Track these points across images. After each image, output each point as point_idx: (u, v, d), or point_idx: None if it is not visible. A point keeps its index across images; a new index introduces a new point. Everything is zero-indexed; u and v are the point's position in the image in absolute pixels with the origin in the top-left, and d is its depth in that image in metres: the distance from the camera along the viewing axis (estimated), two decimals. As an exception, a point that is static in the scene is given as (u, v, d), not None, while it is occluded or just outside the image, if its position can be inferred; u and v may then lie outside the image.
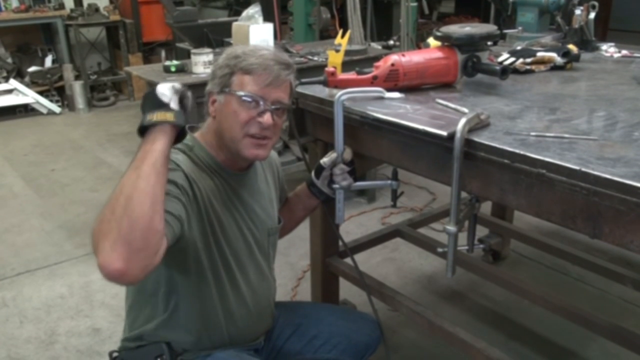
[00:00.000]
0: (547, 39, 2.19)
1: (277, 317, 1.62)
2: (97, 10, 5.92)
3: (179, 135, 1.16)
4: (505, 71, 1.56)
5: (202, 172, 1.33)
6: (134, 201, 1.01)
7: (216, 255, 1.35)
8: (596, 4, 2.16)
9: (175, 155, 1.27)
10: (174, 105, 1.15)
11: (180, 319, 1.37)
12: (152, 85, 2.96)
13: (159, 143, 1.09)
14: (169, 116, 1.12)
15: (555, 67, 1.90)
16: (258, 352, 1.54)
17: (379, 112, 1.42)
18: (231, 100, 1.29)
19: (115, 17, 6.02)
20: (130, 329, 1.43)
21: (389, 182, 1.63)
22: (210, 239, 1.33)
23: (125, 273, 0.98)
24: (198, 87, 1.48)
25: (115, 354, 1.46)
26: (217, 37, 3.45)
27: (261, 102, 1.29)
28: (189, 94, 1.21)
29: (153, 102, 1.14)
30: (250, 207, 1.44)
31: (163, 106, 1.13)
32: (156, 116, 1.11)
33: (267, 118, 1.29)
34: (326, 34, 4.67)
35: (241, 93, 1.28)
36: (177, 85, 1.18)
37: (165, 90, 1.15)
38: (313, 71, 2.93)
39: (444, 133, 1.23)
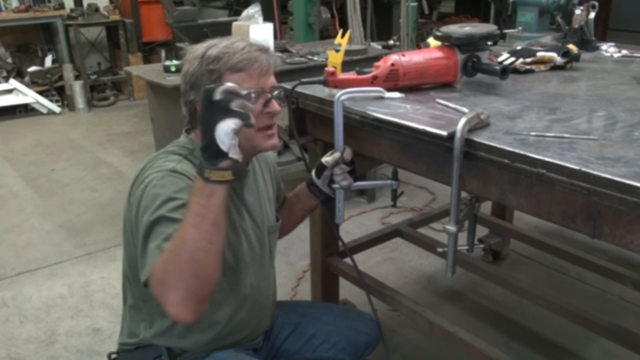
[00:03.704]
0: (547, 38, 2.19)
1: (276, 316, 1.63)
2: (97, 10, 5.92)
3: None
4: (505, 71, 1.56)
5: None
6: (200, 262, 1.05)
7: None
8: (596, 3, 2.16)
9: (179, 164, 1.26)
10: (234, 153, 1.05)
11: (180, 325, 1.36)
12: (154, 86, 2.97)
13: (217, 197, 1.06)
14: (226, 175, 1.06)
15: (555, 67, 1.90)
16: (257, 351, 1.54)
17: (379, 112, 1.42)
18: None
19: (115, 17, 6.02)
20: (129, 334, 1.43)
21: (389, 182, 1.63)
22: None
23: (194, 319, 1.08)
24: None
25: (114, 356, 1.46)
26: (217, 37, 3.44)
27: (263, 94, 1.29)
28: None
29: (211, 147, 1.04)
30: (251, 206, 1.44)
31: (221, 156, 1.04)
32: (214, 175, 1.05)
33: (274, 106, 1.31)
34: (326, 34, 4.68)
35: (243, 92, 1.27)
36: (237, 124, 1.04)
37: (225, 138, 1.03)
38: (313, 71, 2.93)
39: (444, 133, 1.23)
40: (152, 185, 1.21)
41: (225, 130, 1.03)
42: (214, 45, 1.29)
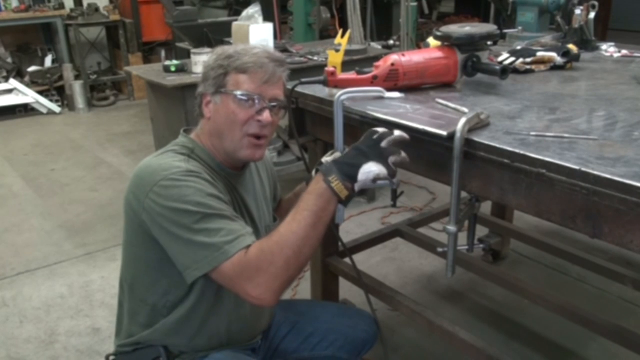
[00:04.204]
0: (547, 38, 2.19)
1: (275, 315, 1.63)
2: (97, 10, 5.93)
3: None
4: (505, 71, 1.56)
5: (210, 175, 1.33)
6: (305, 256, 1.18)
7: None
8: (596, 3, 2.16)
9: (189, 164, 1.26)
10: (359, 187, 1.19)
11: (179, 325, 1.36)
12: (154, 86, 2.97)
13: (332, 206, 1.20)
14: (344, 192, 1.18)
15: (555, 67, 1.90)
16: (255, 351, 1.54)
17: (379, 112, 1.42)
18: (228, 100, 1.29)
19: (115, 17, 6.03)
20: (127, 334, 1.43)
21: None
22: None
23: (277, 302, 1.19)
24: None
25: (112, 358, 1.46)
26: (217, 37, 3.45)
27: (259, 101, 1.29)
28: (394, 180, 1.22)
29: (352, 169, 1.17)
30: (249, 205, 1.44)
31: (352, 180, 1.17)
32: (336, 185, 1.17)
33: (266, 116, 1.29)
34: (326, 34, 4.67)
35: (239, 92, 1.28)
36: (382, 175, 1.18)
37: (365, 176, 1.17)
38: (313, 71, 2.93)
39: (444, 133, 1.23)
40: (175, 186, 1.21)
41: (371, 171, 1.17)
42: (235, 47, 1.34)
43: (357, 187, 1.18)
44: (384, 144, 1.19)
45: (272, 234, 1.19)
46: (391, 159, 1.19)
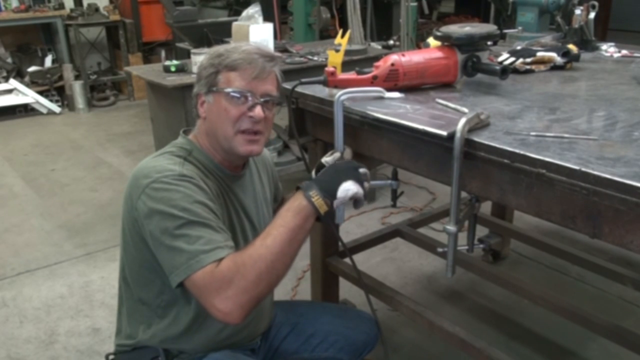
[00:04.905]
0: (547, 38, 2.19)
1: (275, 316, 1.62)
2: (97, 10, 5.92)
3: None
4: (505, 71, 1.56)
5: (206, 178, 1.32)
6: (277, 274, 1.17)
7: None
8: (596, 3, 2.16)
9: (184, 167, 1.26)
10: (337, 205, 1.26)
11: (178, 326, 1.37)
12: (154, 86, 2.97)
13: (309, 224, 1.22)
14: (322, 209, 1.22)
15: (555, 67, 1.90)
16: (255, 352, 1.54)
17: (379, 112, 1.42)
18: (220, 98, 1.29)
19: (115, 17, 6.02)
20: (126, 335, 1.43)
21: (389, 182, 1.63)
22: None
23: (243, 321, 1.16)
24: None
25: (111, 357, 1.46)
26: (217, 37, 3.45)
27: (250, 96, 1.29)
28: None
29: (332, 186, 1.23)
30: (248, 207, 1.44)
31: (331, 197, 1.23)
32: (317, 200, 1.21)
33: (257, 111, 1.29)
34: (326, 34, 4.68)
35: (229, 89, 1.28)
36: (357, 196, 1.26)
37: (343, 193, 1.24)
38: (313, 71, 2.93)
39: (444, 133, 1.23)
40: (165, 189, 1.21)
41: (349, 189, 1.24)
42: (226, 46, 1.34)
43: (335, 203, 1.24)
44: (361, 170, 1.28)
45: (246, 248, 1.18)
46: (365, 184, 1.28)
